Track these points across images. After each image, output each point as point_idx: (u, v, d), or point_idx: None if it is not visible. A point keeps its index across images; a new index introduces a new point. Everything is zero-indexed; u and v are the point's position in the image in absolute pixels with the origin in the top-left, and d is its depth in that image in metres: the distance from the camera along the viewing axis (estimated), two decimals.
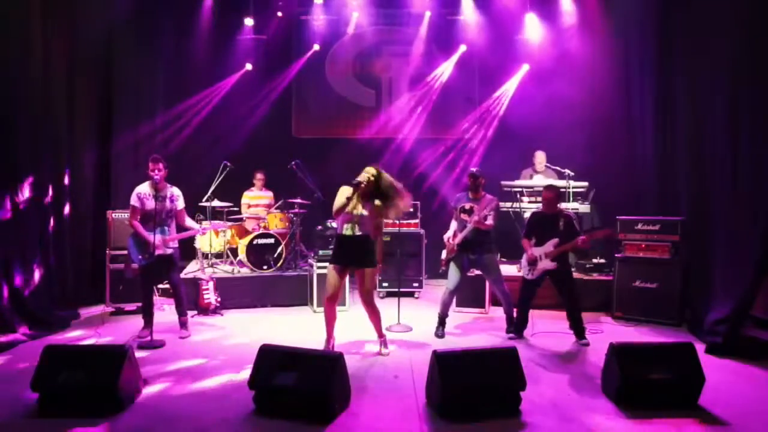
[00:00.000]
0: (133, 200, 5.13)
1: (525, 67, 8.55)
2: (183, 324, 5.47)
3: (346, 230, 4.65)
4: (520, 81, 8.65)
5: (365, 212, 4.62)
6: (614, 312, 6.16)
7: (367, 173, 4.62)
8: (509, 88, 8.74)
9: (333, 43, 9.03)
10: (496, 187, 7.24)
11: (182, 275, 6.03)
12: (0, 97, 5.28)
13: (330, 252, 6.73)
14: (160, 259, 5.11)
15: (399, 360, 4.74)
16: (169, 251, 5.23)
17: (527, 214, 7.08)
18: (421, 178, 8.72)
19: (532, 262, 5.24)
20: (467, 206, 5.35)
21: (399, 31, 9.05)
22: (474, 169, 5.46)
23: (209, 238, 7.05)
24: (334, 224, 7.24)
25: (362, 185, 4.55)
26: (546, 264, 5.16)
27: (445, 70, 8.95)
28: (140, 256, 5.10)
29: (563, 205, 6.10)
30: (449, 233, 5.49)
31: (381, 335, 4.95)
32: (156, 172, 5.14)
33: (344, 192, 4.61)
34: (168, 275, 5.39)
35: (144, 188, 5.19)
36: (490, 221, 5.24)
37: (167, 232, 5.20)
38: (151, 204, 5.11)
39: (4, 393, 3.87)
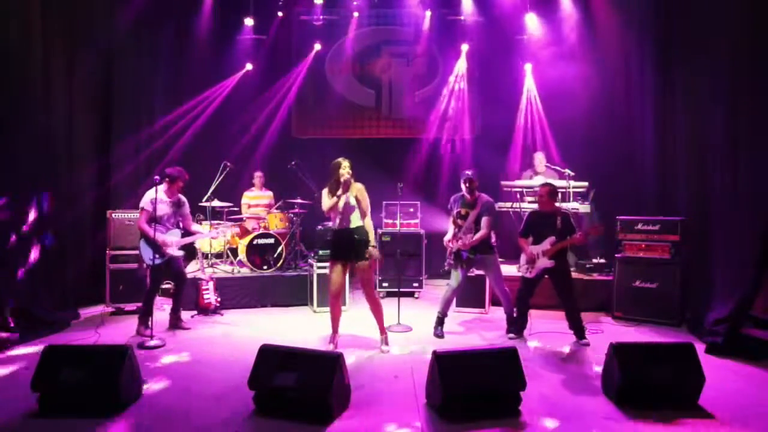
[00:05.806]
0: (146, 204, 5.32)
1: (528, 67, 8.53)
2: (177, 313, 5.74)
3: (340, 224, 4.83)
4: (521, 81, 8.62)
5: (353, 202, 4.80)
6: (614, 312, 6.16)
7: (345, 168, 4.77)
8: (509, 87, 8.71)
9: (333, 43, 9.03)
10: (497, 187, 7.25)
11: None
12: (0, 97, 5.27)
13: (329, 251, 6.83)
14: (170, 260, 5.42)
15: (399, 360, 4.74)
16: (180, 253, 5.52)
17: None
18: (421, 178, 8.71)
19: (531, 261, 5.25)
20: (463, 212, 5.36)
21: (399, 31, 9.04)
22: (468, 172, 5.40)
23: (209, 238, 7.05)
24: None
25: (346, 181, 4.72)
26: (544, 262, 5.17)
27: (444, 70, 8.92)
28: (156, 255, 5.24)
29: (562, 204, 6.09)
30: (448, 236, 5.49)
31: (383, 332, 5.00)
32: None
33: (327, 193, 4.81)
34: (174, 273, 5.63)
35: (157, 194, 5.39)
36: (483, 231, 5.24)
37: (178, 235, 5.50)
38: (162, 209, 5.37)
39: (4, 393, 3.87)
